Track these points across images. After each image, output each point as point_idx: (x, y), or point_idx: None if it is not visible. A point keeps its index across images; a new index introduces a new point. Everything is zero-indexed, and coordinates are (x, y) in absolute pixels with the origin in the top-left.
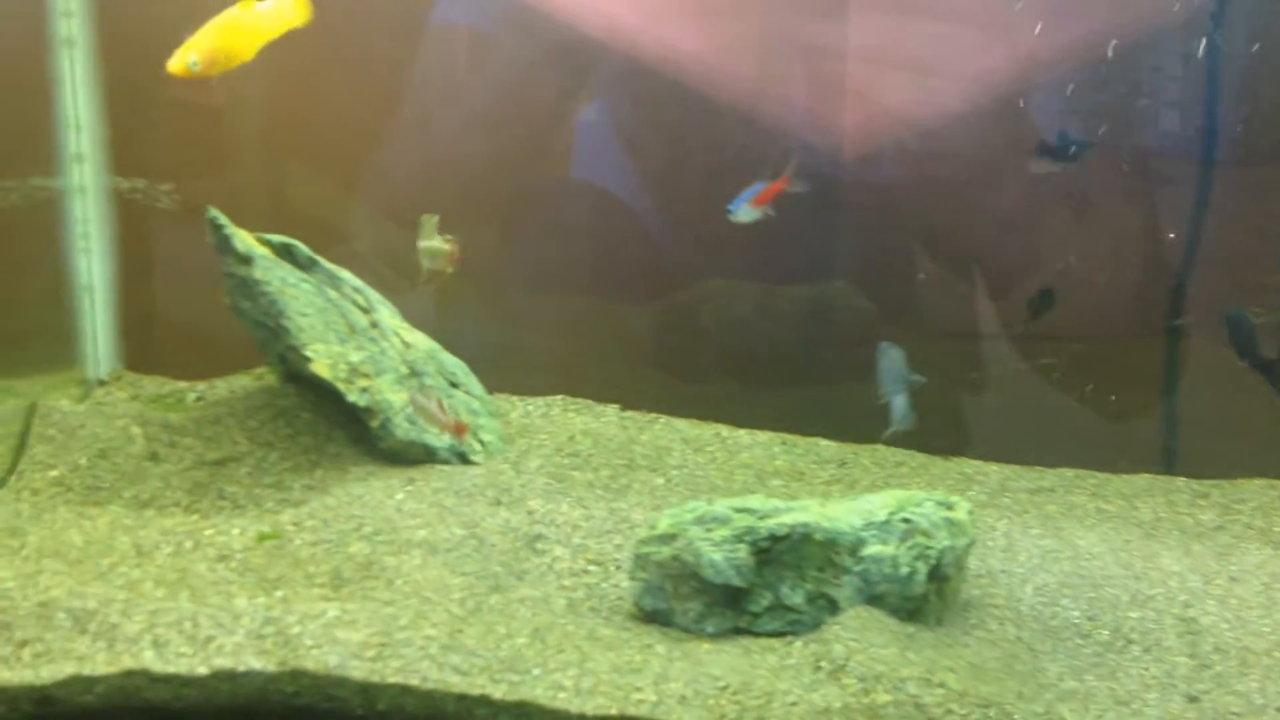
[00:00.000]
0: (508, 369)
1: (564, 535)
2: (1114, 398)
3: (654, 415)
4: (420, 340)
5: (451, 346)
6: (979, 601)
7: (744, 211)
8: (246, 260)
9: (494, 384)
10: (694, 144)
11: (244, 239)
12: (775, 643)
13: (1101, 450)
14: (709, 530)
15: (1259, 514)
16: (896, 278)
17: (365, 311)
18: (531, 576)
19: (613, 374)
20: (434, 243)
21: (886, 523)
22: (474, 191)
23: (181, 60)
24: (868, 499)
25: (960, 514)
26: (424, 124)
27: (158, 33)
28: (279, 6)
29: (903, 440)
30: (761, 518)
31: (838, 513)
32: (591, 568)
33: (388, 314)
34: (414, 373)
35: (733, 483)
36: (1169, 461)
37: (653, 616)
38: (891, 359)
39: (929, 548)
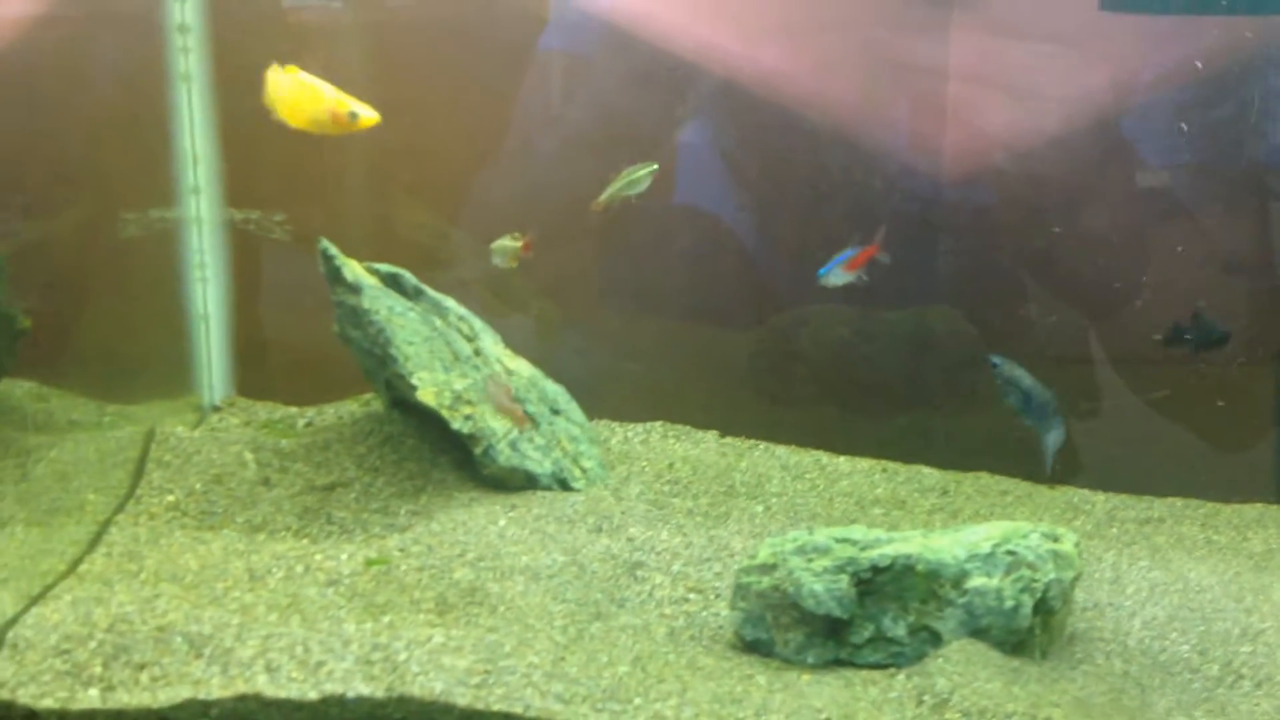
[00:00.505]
0: (608, 395)
1: (664, 563)
2: (1228, 425)
3: (753, 442)
4: (523, 367)
5: (553, 372)
6: (1085, 635)
7: (835, 275)
8: (355, 290)
9: (595, 410)
10: (793, 167)
11: (353, 269)
12: (877, 675)
13: (1215, 479)
14: (810, 560)
15: None
16: (999, 301)
17: (469, 339)
18: (632, 604)
19: (712, 399)
20: (503, 241)
21: (991, 555)
22: (575, 215)
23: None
24: (972, 530)
25: (1066, 546)
26: (525, 149)
27: (270, 66)
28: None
29: (1006, 467)
30: (863, 548)
31: (941, 544)
32: (692, 596)
33: (491, 341)
34: (516, 400)
35: (833, 511)
36: None
37: (753, 646)
38: (1022, 380)
39: (1034, 580)
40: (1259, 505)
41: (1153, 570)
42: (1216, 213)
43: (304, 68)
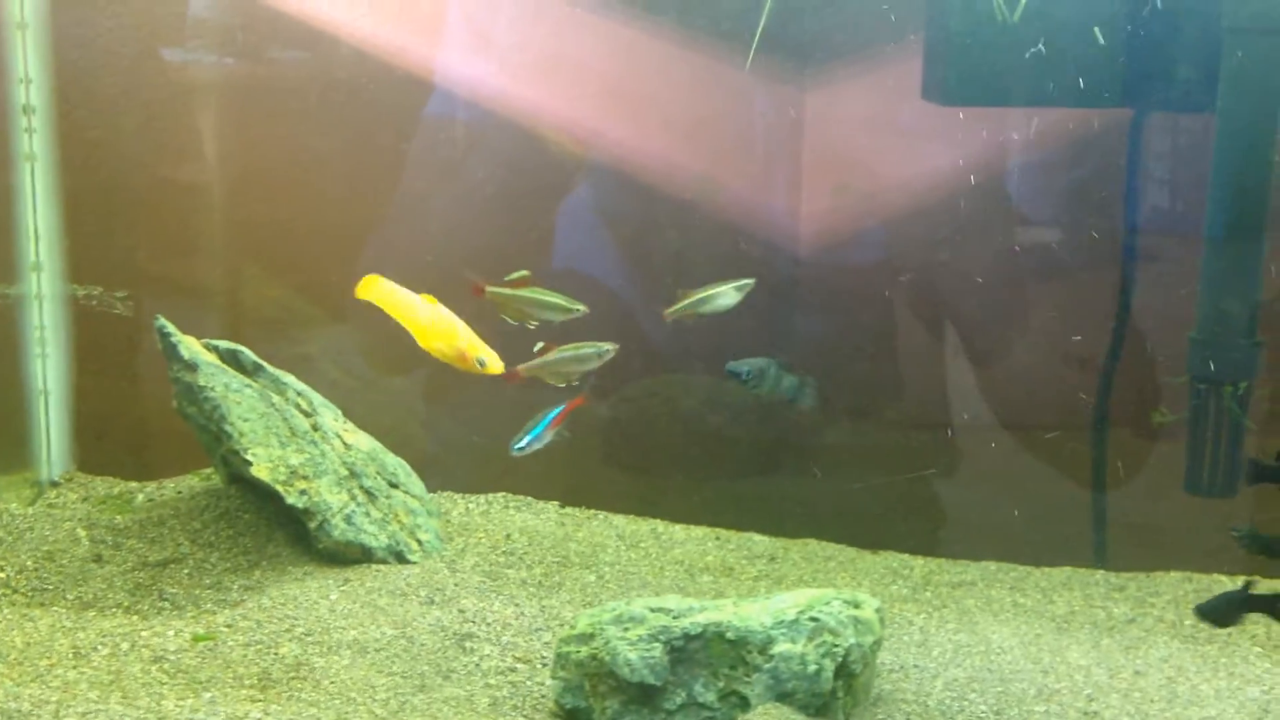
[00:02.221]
0: (455, 467)
1: (494, 633)
2: (1047, 491)
3: (593, 511)
4: (363, 441)
5: (403, 445)
6: (890, 696)
7: (539, 440)
8: (192, 367)
9: (440, 482)
10: (655, 236)
11: (190, 346)
12: None
13: (1032, 544)
14: (626, 629)
15: (1171, 607)
16: (849, 369)
17: (307, 415)
18: (458, 675)
19: (563, 470)
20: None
21: (796, 621)
22: (439, 287)
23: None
24: (780, 598)
25: (867, 612)
26: (394, 219)
27: (117, 144)
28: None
29: (834, 533)
30: (676, 617)
31: (750, 611)
32: (519, 666)
33: (330, 417)
34: (353, 474)
35: (663, 579)
36: (1100, 556)
37: (572, 714)
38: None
39: (836, 645)
40: (1067, 569)
41: (959, 633)
42: (1047, 288)
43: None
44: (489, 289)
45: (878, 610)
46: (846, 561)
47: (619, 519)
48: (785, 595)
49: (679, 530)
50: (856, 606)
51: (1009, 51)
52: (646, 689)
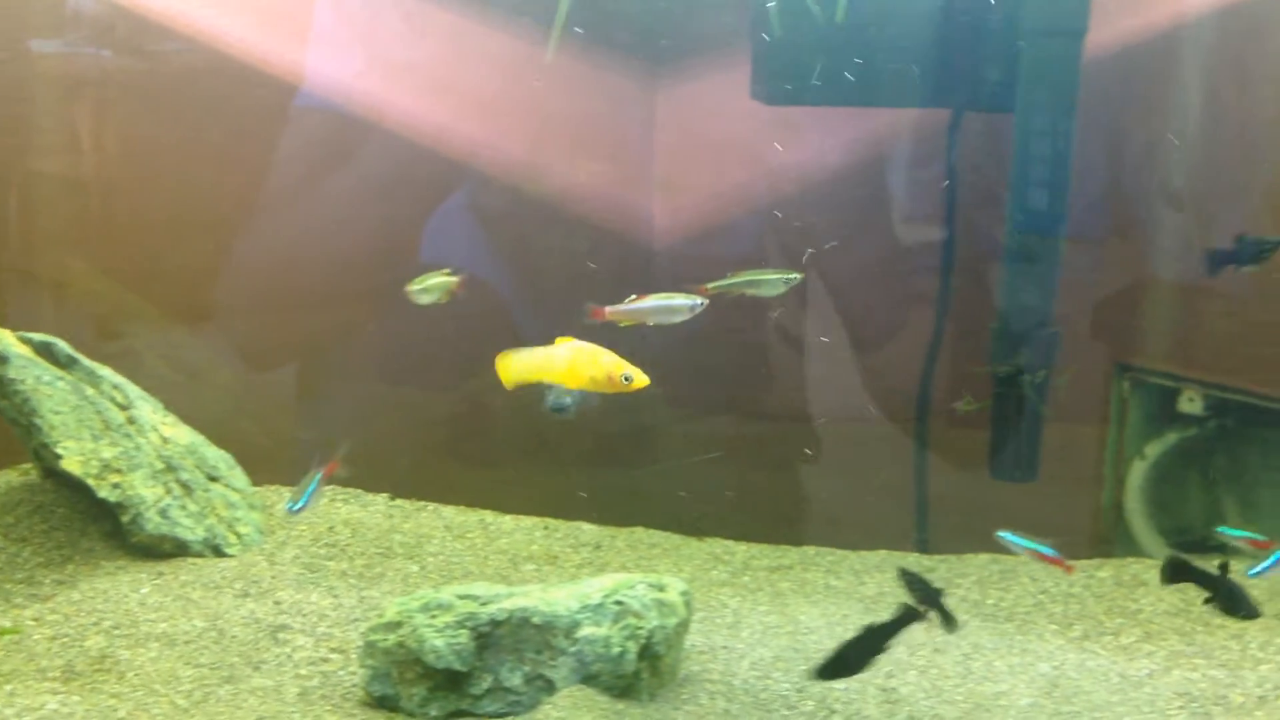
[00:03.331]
0: (283, 461)
1: (309, 625)
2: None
3: (423, 503)
4: (182, 435)
5: (231, 439)
6: (697, 676)
7: None
8: (2, 359)
9: (268, 476)
10: (505, 234)
11: (2, 338)
12: None
13: (854, 529)
14: (433, 617)
15: (976, 587)
16: (690, 365)
17: (123, 408)
18: (269, 666)
19: (395, 463)
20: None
21: (601, 605)
22: (268, 284)
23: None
24: (587, 583)
25: (672, 595)
26: (236, 215)
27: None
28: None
29: (662, 522)
30: (484, 604)
31: (557, 597)
32: (333, 656)
33: (149, 410)
34: (170, 467)
35: (486, 568)
36: (921, 541)
37: (381, 702)
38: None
39: (639, 628)
40: (883, 552)
41: (770, 614)
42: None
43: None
44: (608, 310)
45: (683, 593)
46: (671, 548)
47: (449, 510)
48: (593, 580)
49: (508, 521)
50: (661, 590)
51: (830, 53)
52: (453, 675)
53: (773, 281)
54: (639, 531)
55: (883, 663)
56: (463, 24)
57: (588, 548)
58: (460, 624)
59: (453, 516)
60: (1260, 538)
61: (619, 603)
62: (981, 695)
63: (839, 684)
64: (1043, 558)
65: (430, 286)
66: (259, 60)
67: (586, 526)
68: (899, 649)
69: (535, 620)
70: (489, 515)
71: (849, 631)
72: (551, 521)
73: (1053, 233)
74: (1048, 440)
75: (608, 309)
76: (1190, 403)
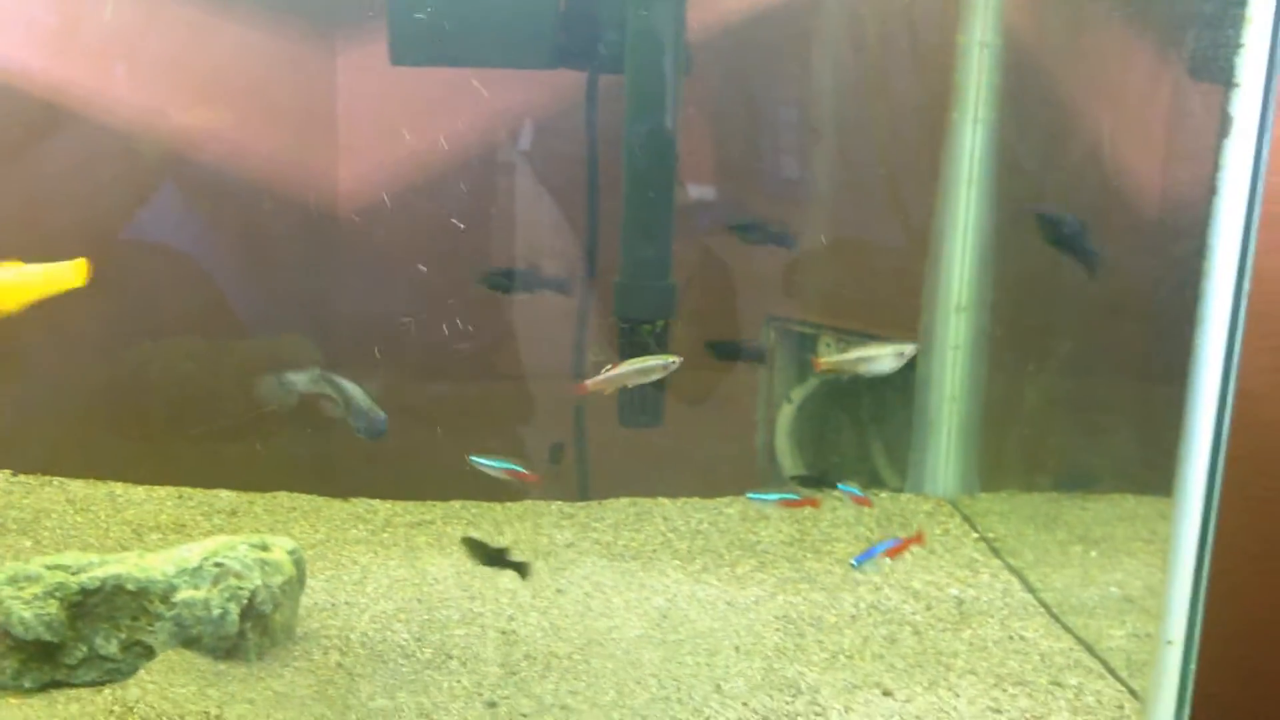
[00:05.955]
0: None
1: None
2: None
3: (48, 478)
4: None
5: None
6: (315, 634)
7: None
8: None
9: None
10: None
11: None
12: (86, 692)
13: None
14: (20, 589)
15: (610, 530)
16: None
17: None
18: None
19: (20, 438)
20: None
21: (199, 568)
22: None
23: None
24: (186, 547)
25: (277, 554)
26: None
27: None
28: (50, 268)
29: (308, 485)
30: (75, 573)
31: (153, 562)
32: None
33: None
34: None
35: (107, 540)
36: (582, 489)
37: None
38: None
39: (240, 589)
40: (527, 501)
41: (399, 569)
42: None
43: None
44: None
45: (291, 552)
46: (311, 510)
47: (76, 484)
48: (193, 545)
49: (140, 491)
50: (265, 549)
51: (453, 14)
52: (45, 645)
53: (887, 355)
54: (281, 496)
55: (505, 608)
56: None
57: (223, 514)
58: (49, 594)
59: (79, 490)
60: (861, 493)
61: (218, 564)
62: (595, 630)
63: (460, 630)
64: (789, 504)
65: None
66: None
67: (224, 493)
68: (525, 593)
69: (130, 587)
70: (119, 487)
71: (475, 581)
72: (188, 490)
73: (663, 188)
74: (715, 387)
75: (589, 381)
76: (828, 348)
